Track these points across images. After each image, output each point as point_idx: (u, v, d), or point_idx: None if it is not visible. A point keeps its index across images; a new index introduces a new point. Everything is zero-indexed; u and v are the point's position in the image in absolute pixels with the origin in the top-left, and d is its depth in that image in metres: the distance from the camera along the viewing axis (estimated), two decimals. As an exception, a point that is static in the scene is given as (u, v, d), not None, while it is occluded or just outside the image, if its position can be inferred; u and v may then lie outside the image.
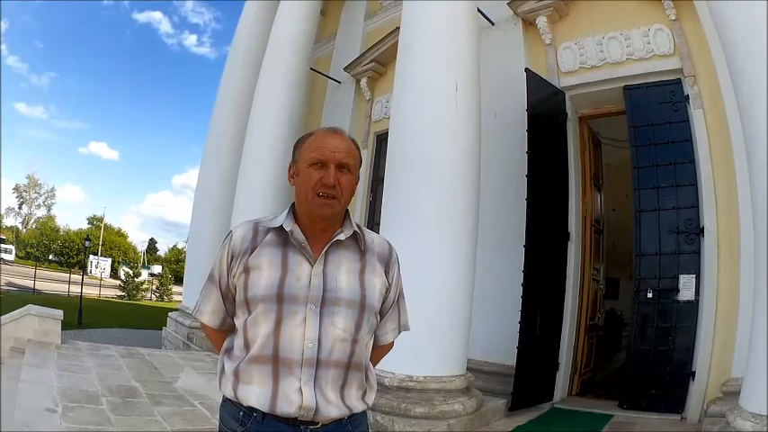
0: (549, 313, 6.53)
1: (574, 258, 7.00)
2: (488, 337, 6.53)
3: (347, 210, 1.73)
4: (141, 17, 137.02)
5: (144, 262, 61.48)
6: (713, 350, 5.58)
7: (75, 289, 24.61)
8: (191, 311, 9.85)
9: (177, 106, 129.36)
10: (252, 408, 1.59)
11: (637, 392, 6.08)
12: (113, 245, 66.04)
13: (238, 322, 1.67)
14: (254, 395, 1.59)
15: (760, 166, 4.36)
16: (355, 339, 1.64)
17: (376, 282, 1.71)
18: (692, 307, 5.89)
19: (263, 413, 1.58)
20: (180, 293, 34.49)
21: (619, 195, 9.03)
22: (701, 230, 5.93)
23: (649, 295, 6.20)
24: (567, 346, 6.83)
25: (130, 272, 39.46)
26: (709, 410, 5.06)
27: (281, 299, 1.58)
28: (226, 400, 1.69)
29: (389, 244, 1.82)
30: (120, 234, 72.68)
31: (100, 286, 35.82)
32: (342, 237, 1.68)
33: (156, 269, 54.50)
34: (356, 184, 1.72)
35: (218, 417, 1.76)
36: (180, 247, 70.06)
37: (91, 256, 51.80)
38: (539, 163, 6.42)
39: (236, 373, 1.63)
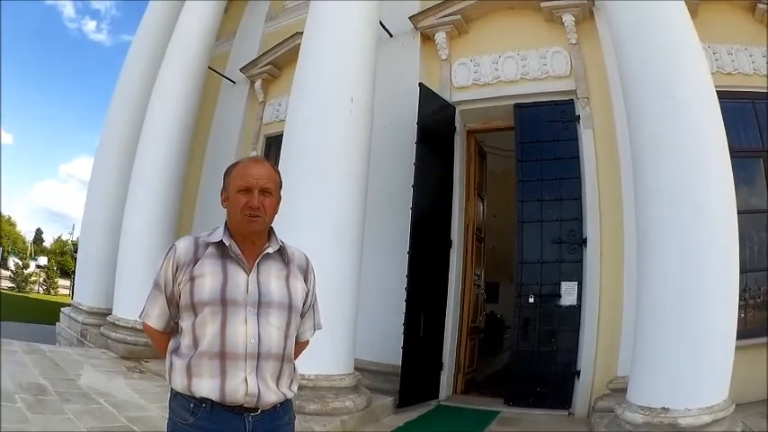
0: (433, 316, 6.08)
1: (456, 264, 6.53)
2: (374, 339, 5.98)
3: (272, 228, 1.78)
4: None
5: (31, 253, 54.24)
6: (598, 351, 5.39)
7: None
8: (83, 307, 8.57)
9: (69, 92, 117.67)
10: (203, 398, 1.61)
11: (522, 390, 5.79)
12: (3, 234, 58.30)
13: (185, 324, 1.68)
14: (206, 387, 1.60)
15: (641, 183, 4.24)
16: (287, 335, 1.71)
17: (298, 287, 1.78)
18: (575, 311, 5.64)
19: (213, 402, 1.60)
20: (66, 287, 31.24)
21: (501, 202, 8.61)
22: (584, 241, 5.68)
23: (531, 300, 5.88)
24: (451, 346, 6.39)
25: (20, 263, 35.03)
26: (597, 406, 4.93)
27: (224, 302, 1.63)
28: (176, 394, 1.68)
29: (306, 256, 1.89)
30: (10, 223, 64.47)
31: (-8, 277, 31.13)
32: (270, 250, 1.75)
33: (42, 261, 47.63)
34: (278, 203, 1.78)
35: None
36: (65, 238, 61.75)
37: (-17, 247, 45.57)
38: (425, 174, 5.94)
39: (188, 369, 1.63)
